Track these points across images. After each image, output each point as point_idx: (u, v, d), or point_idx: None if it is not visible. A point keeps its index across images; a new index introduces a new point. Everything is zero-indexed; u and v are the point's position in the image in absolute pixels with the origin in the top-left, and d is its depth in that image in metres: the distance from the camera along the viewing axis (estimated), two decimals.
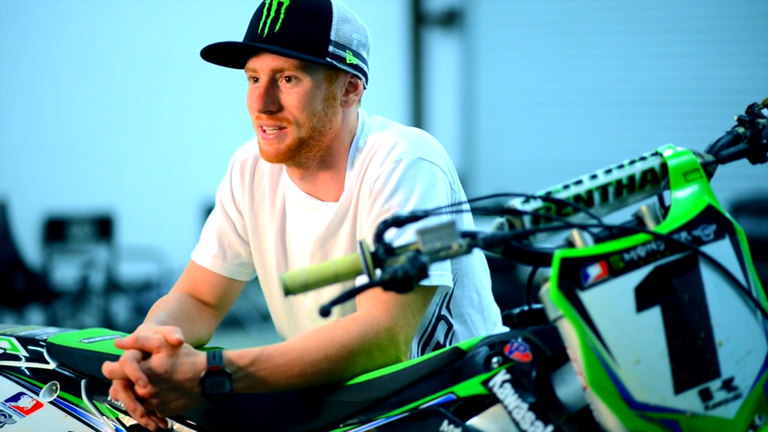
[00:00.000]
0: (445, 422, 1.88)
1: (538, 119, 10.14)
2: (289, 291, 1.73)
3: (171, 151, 9.10)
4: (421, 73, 10.78)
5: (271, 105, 2.23)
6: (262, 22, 2.22)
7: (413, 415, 1.93)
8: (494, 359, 1.87)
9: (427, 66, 10.79)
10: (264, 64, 2.23)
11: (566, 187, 1.81)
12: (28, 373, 2.26)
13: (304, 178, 2.32)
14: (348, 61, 2.25)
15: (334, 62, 2.23)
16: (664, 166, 1.83)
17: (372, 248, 1.71)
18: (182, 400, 2.00)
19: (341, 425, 2.02)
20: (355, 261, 1.73)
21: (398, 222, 1.75)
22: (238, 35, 2.27)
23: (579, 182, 1.81)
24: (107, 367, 2.03)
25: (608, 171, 1.82)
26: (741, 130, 1.94)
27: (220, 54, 2.25)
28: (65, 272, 8.26)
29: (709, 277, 1.72)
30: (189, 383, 1.99)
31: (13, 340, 2.32)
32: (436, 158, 2.24)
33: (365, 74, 2.30)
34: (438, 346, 2.29)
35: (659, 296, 1.69)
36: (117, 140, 8.82)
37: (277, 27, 2.21)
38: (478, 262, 2.35)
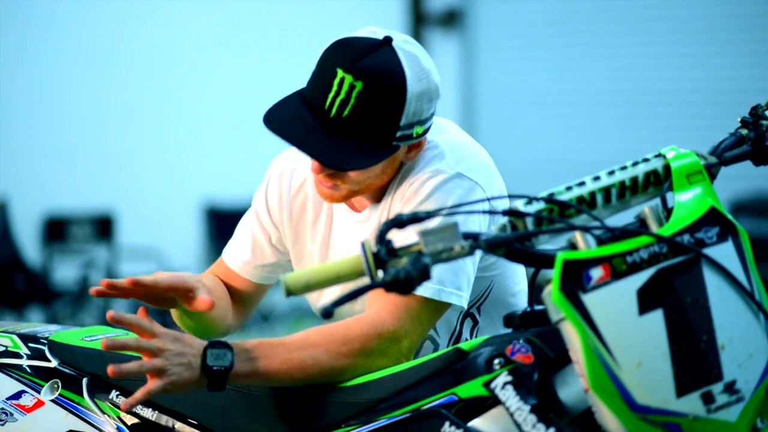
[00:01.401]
0: (447, 423, 1.88)
1: (539, 119, 10.13)
2: (290, 292, 1.73)
3: (171, 151, 9.10)
4: None
5: (327, 171, 2.17)
6: (330, 98, 2.11)
7: (414, 416, 1.93)
8: (496, 361, 1.87)
9: None
10: None
11: (569, 188, 1.80)
12: (29, 371, 2.26)
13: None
14: (415, 135, 2.16)
15: (400, 144, 2.15)
16: (667, 167, 1.82)
17: (374, 249, 1.71)
18: (184, 370, 1.95)
19: (342, 426, 2.01)
20: (358, 262, 1.73)
21: (400, 223, 1.75)
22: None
23: (582, 184, 1.81)
24: (113, 341, 1.98)
25: (611, 173, 1.82)
26: (744, 131, 1.93)
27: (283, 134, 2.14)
28: (65, 272, 8.26)
29: (711, 280, 1.71)
30: (196, 350, 1.96)
31: (15, 337, 2.32)
32: (478, 176, 2.19)
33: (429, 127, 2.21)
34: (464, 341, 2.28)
35: (662, 299, 1.69)
36: (117, 140, 8.82)
37: (346, 112, 2.10)
38: (515, 266, 2.33)
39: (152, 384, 1.95)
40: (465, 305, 2.15)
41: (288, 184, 2.36)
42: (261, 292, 2.46)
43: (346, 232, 2.31)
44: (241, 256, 2.42)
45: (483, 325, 2.30)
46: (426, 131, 2.18)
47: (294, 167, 2.36)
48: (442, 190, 2.16)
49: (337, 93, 2.10)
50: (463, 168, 2.19)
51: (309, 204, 2.34)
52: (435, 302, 2.11)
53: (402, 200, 2.20)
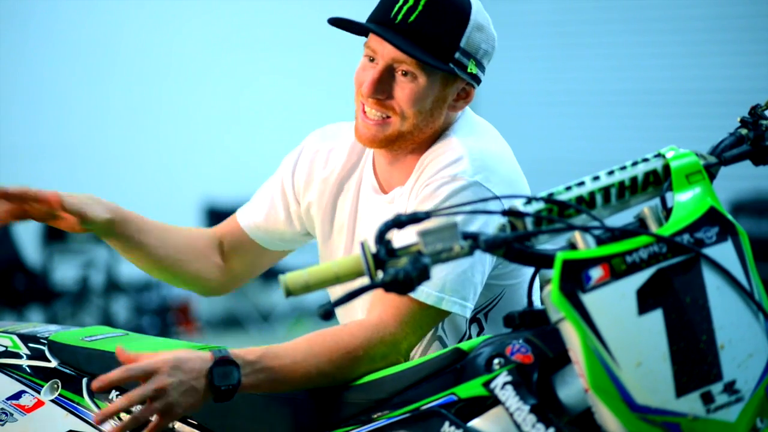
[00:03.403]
0: (446, 423, 1.88)
1: (539, 119, 10.14)
2: (290, 292, 1.73)
3: (171, 151, 9.10)
4: None
5: (380, 93, 2.21)
6: (398, 6, 2.19)
7: (414, 416, 1.93)
8: (496, 360, 1.87)
9: None
10: (386, 51, 2.20)
11: (568, 188, 1.80)
12: (29, 371, 2.26)
13: (392, 163, 2.30)
14: (468, 70, 2.22)
15: (456, 69, 2.20)
16: (666, 167, 1.82)
17: (373, 249, 1.71)
18: (190, 397, 1.94)
19: (342, 426, 2.01)
20: (357, 262, 1.72)
21: (399, 223, 1.74)
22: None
23: (581, 184, 1.81)
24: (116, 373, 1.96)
25: (610, 172, 1.82)
26: (744, 131, 1.93)
27: (345, 22, 2.23)
28: (65, 272, 8.26)
29: (711, 280, 1.71)
30: (199, 373, 1.94)
31: (15, 337, 2.32)
32: (497, 186, 2.19)
33: (480, 81, 2.28)
34: None
35: (661, 299, 1.69)
36: (117, 140, 8.82)
37: (412, 17, 2.18)
38: (528, 277, 2.33)
39: (160, 421, 1.94)
40: (468, 315, 2.15)
41: (323, 163, 2.38)
42: (263, 259, 2.49)
43: (374, 213, 2.31)
44: (253, 217, 2.45)
45: (488, 331, 2.29)
46: (477, 81, 2.25)
47: (332, 147, 2.38)
48: (458, 196, 2.16)
49: (405, 1, 2.18)
50: (482, 177, 2.18)
51: (343, 184, 2.36)
52: (437, 309, 2.11)
53: (417, 198, 2.20)
